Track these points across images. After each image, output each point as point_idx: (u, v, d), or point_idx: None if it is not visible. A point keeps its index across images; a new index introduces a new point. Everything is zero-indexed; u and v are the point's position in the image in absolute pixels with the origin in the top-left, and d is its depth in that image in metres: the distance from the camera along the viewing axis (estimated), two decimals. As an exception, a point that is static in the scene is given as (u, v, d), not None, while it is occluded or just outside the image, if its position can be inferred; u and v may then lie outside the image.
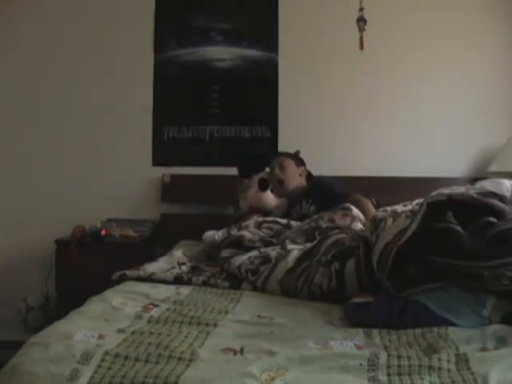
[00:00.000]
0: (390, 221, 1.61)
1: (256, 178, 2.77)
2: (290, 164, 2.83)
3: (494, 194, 1.56)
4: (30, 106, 3.46)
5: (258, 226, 2.33)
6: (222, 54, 3.42)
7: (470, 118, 3.27)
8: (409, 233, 1.45)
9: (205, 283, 1.89)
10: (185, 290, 1.79)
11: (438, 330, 1.30)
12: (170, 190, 3.33)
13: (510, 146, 3.02)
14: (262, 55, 3.39)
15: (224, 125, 3.40)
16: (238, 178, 2.92)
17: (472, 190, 1.58)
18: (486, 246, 1.37)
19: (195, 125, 3.41)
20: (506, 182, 1.65)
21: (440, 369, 1.09)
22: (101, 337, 1.27)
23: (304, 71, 3.35)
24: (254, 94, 3.39)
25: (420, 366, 1.10)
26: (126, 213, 3.33)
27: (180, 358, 1.15)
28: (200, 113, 3.42)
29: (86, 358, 1.13)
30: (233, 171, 3.05)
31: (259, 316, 1.51)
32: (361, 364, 1.11)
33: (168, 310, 1.55)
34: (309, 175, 2.89)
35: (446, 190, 1.59)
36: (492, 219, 1.44)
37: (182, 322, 1.43)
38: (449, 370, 1.08)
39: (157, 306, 1.59)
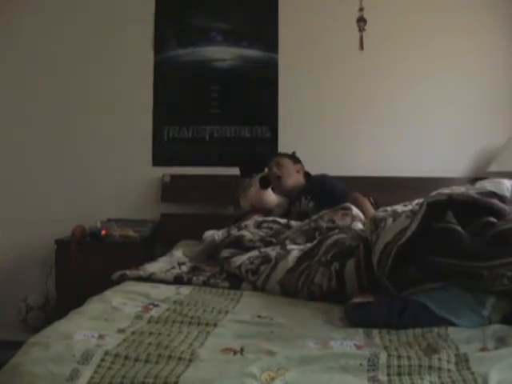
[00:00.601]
0: (390, 221, 1.61)
1: (257, 177, 2.78)
2: (287, 162, 2.91)
3: (494, 194, 1.56)
4: (30, 106, 3.46)
5: (258, 225, 2.34)
6: (222, 54, 3.41)
7: (469, 118, 3.26)
8: (409, 233, 1.45)
9: (205, 283, 1.89)
10: (185, 290, 1.79)
11: (438, 329, 1.30)
12: (170, 190, 3.33)
13: (509, 146, 3.02)
14: (261, 55, 3.39)
15: (224, 125, 3.40)
16: (239, 178, 2.92)
17: (472, 190, 1.58)
18: (486, 246, 1.37)
19: (195, 125, 3.41)
20: (506, 182, 1.66)
21: (440, 369, 1.09)
22: (101, 337, 1.27)
23: (304, 71, 3.35)
24: (254, 94, 3.39)
25: (420, 365, 1.10)
26: (126, 213, 3.33)
27: (180, 358, 1.15)
28: (200, 113, 3.42)
29: (86, 357, 1.13)
30: (233, 171, 3.06)
31: (259, 316, 1.51)
32: (361, 364, 1.11)
33: (168, 310, 1.55)
34: (307, 173, 2.93)
35: (446, 190, 1.59)
36: (492, 219, 1.44)
37: (182, 322, 1.43)
38: (449, 370, 1.09)
39: (157, 306, 1.59)
